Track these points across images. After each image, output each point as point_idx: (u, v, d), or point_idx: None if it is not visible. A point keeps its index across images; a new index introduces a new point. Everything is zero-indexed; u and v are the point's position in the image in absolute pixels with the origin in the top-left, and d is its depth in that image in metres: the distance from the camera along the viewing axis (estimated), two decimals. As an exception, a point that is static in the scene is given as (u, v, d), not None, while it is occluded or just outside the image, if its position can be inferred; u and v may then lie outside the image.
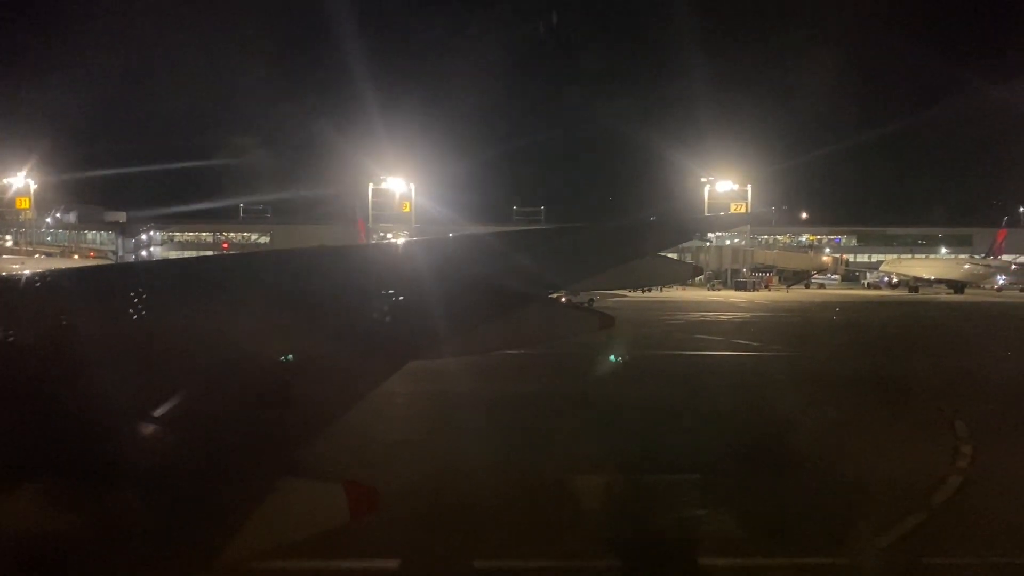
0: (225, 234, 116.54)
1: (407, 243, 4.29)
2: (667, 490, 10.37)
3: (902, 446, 12.66)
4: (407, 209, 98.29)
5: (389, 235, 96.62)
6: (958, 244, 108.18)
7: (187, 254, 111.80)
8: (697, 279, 78.12)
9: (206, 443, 2.20)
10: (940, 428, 13.92)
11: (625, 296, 50.62)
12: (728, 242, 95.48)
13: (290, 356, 2.64)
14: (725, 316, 43.68)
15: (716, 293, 76.45)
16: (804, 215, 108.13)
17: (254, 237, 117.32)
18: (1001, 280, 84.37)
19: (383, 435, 12.26)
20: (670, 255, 4.77)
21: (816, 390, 18.29)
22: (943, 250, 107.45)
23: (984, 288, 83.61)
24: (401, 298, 3.12)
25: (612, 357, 16.13)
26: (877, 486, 10.29)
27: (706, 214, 68.42)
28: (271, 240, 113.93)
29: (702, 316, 43.01)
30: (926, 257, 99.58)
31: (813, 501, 9.85)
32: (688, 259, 61.50)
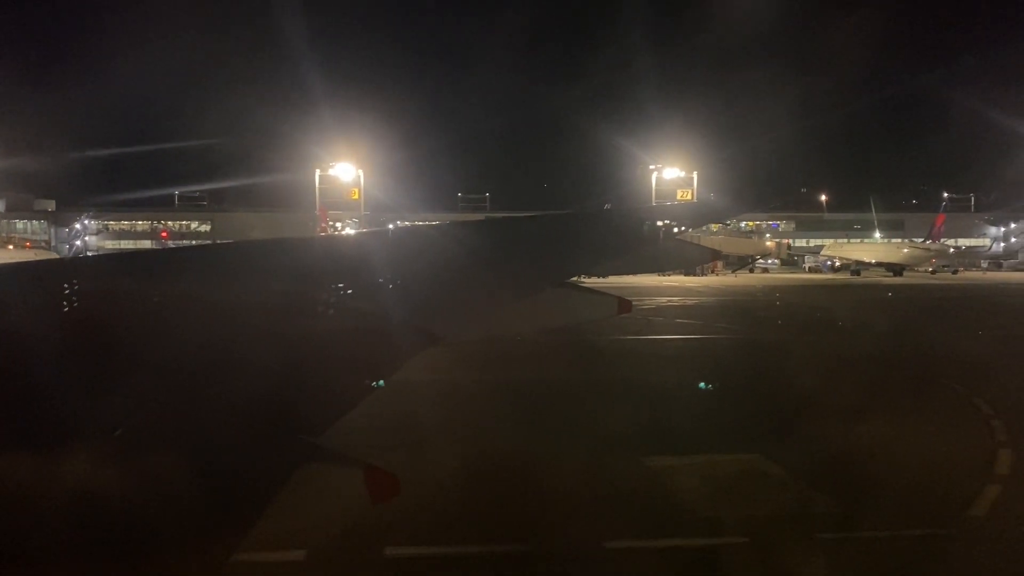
0: (163, 222, 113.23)
1: (424, 228, 4.37)
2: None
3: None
4: (356, 196, 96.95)
5: (338, 223, 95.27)
6: (891, 229, 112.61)
7: (123, 243, 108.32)
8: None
9: (229, 429, 2.22)
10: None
11: (582, 281, 50.97)
12: (676, 230, 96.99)
13: (381, 382, 2.68)
14: (691, 301, 44.54)
15: (667, 278, 77.52)
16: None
17: (194, 225, 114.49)
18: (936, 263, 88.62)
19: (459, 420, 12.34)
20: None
21: (830, 370, 18.95)
22: (877, 234, 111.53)
23: (918, 271, 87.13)
24: (424, 281, 3.16)
25: (702, 385, 16.47)
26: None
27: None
28: (212, 228, 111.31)
29: (669, 301, 43.67)
30: (861, 241, 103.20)
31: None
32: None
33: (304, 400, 2.45)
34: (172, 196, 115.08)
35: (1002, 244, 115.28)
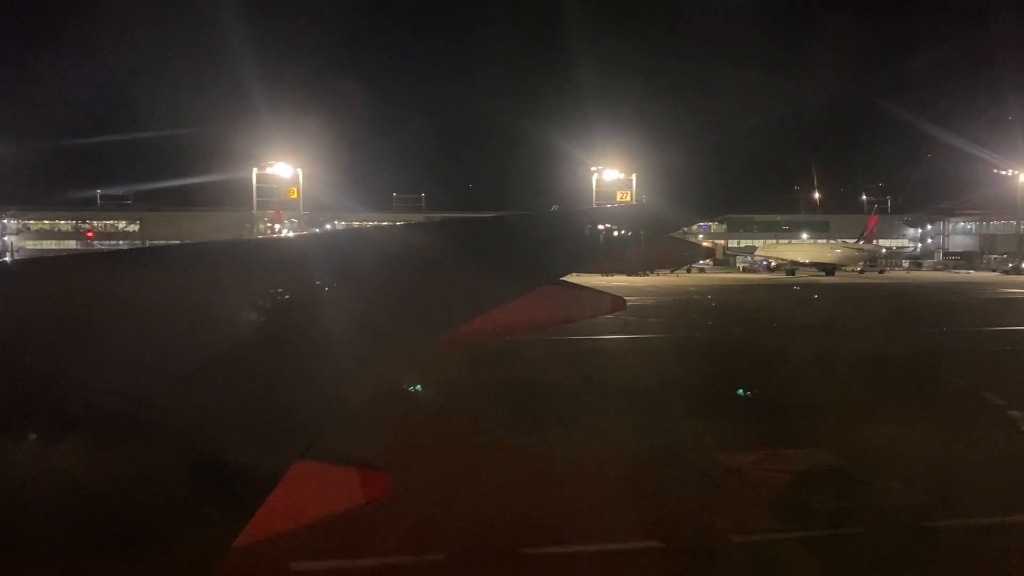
0: (89, 222, 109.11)
1: (414, 227, 4.32)
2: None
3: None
4: (295, 195, 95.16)
5: (276, 225, 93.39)
6: (817, 230, 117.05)
7: (46, 243, 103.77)
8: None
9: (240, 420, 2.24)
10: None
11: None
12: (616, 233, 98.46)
13: (418, 387, 2.83)
14: (650, 301, 45.39)
15: (612, 278, 78.50)
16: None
17: (121, 225, 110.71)
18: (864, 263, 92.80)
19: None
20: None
21: (831, 367, 19.68)
22: (804, 235, 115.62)
23: (847, 270, 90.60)
24: (420, 279, 3.17)
25: (740, 391, 16.68)
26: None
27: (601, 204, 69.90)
28: (141, 228, 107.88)
29: (630, 301, 44.27)
30: (789, 242, 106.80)
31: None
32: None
33: (299, 398, 2.41)
34: (94, 196, 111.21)
35: (919, 245, 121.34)
